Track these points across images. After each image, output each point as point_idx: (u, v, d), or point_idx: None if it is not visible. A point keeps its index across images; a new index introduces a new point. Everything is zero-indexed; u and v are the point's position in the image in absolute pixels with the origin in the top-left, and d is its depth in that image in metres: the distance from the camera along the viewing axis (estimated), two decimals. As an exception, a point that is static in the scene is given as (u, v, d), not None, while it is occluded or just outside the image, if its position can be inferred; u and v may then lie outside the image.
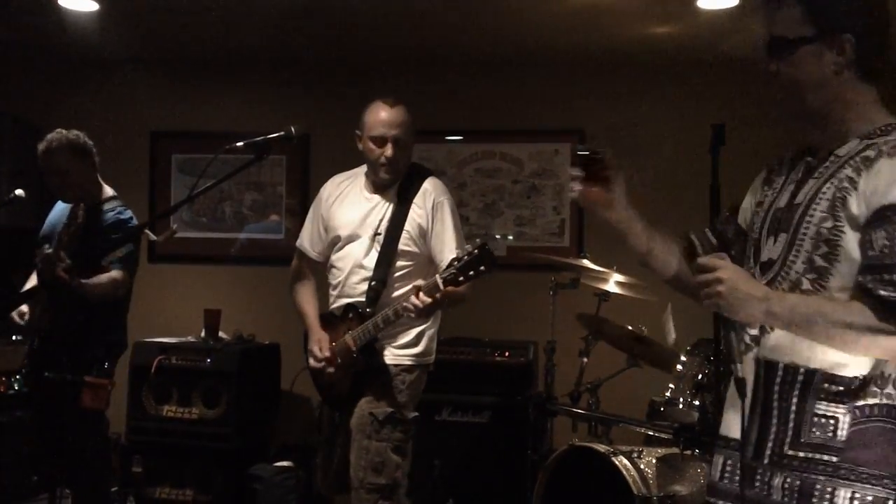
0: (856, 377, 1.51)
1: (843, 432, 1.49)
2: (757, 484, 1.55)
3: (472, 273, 2.57)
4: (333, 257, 3.07)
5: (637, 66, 4.68)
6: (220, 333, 4.60)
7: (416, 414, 2.99)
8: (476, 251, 2.58)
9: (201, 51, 4.86)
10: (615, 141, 4.77)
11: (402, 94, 4.74)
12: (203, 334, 4.56)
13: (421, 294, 2.62)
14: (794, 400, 1.53)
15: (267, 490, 4.17)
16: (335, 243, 3.06)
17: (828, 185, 1.56)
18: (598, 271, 3.54)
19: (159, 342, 4.39)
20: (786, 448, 1.53)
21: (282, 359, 4.62)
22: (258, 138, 2.53)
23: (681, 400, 3.02)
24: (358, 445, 2.89)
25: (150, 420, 4.30)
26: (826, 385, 1.52)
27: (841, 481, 1.48)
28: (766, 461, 1.55)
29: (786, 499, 1.51)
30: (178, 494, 4.27)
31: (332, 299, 3.07)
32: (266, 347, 4.60)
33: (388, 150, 2.92)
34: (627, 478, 2.82)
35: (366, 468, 2.86)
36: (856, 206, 1.50)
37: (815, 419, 1.51)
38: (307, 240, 3.17)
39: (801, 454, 1.51)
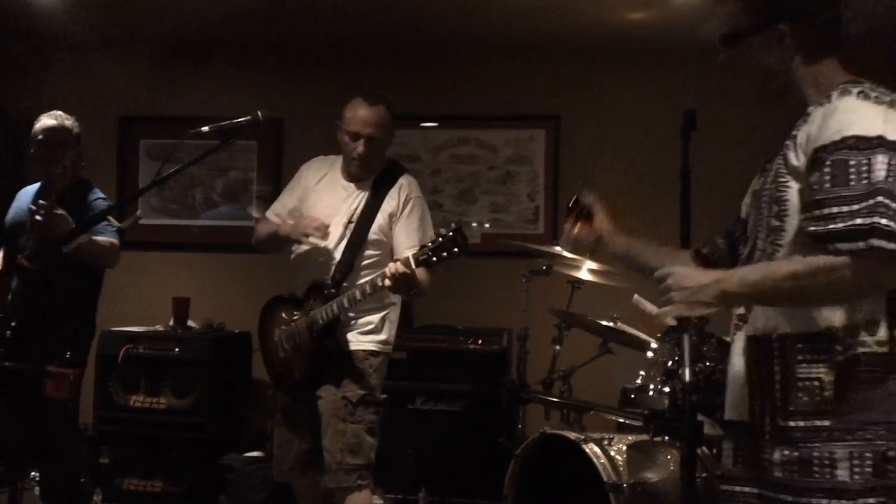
0: (827, 329, 1.52)
1: (829, 392, 1.51)
2: (764, 463, 1.56)
3: (444, 255, 2.59)
4: (304, 241, 3.06)
5: (612, 52, 4.66)
6: (190, 322, 4.55)
7: (385, 396, 3.03)
8: (451, 234, 2.59)
9: (171, 34, 4.78)
10: (590, 126, 4.76)
11: (378, 79, 4.77)
12: (172, 323, 4.51)
13: (399, 263, 2.65)
14: (777, 369, 1.55)
15: (238, 480, 4.14)
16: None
17: (780, 153, 1.62)
18: (572, 259, 3.52)
19: (127, 331, 4.33)
20: (779, 420, 1.55)
21: (253, 347, 4.58)
22: (224, 123, 2.49)
23: (651, 387, 3.02)
24: (333, 429, 2.92)
25: (118, 410, 4.24)
26: (800, 346, 1.54)
27: (836, 444, 1.49)
28: (766, 437, 1.57)
29: (786, 472, 1.52)
30: (147, 486, 4.23)
31: (296, 281, 3.07)
32: (236, 336, 4.55)
33: (360, 147, 2.98)
34: (597, 465, 2.81)
35: (343, 450, 2.90)
36: (795, 158, 1.56)
37: (799, 384, 1.53)
38: (278, 209, 3.19)
39: (793, 423, 1.52)
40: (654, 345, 3.12)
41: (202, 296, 4.69)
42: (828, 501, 1.47)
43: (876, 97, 1.52)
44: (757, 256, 1.64)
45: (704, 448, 2.85)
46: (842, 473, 1.47)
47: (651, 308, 3.28)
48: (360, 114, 2.98)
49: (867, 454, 1.46)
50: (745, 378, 1.61)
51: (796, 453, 1.51)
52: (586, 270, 3.50)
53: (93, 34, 4.70)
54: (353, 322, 2.97)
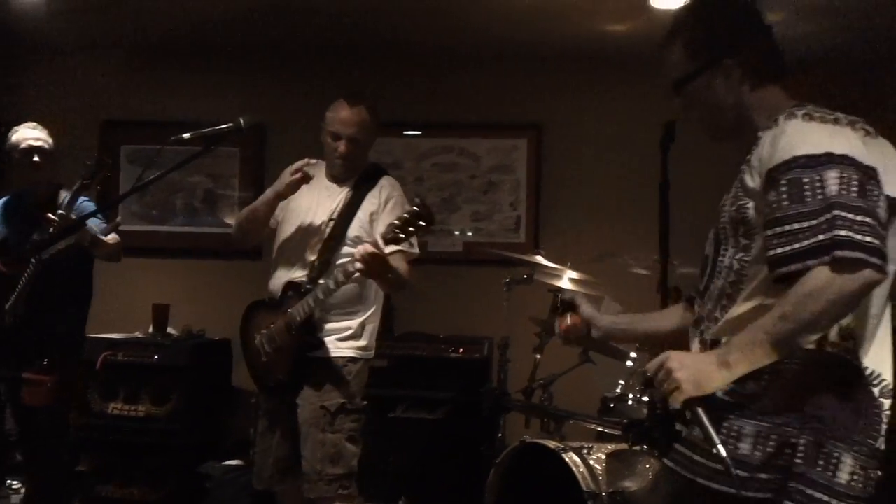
0: None
1: (764, 382, 1.56)
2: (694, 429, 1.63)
3: (411, 229, 2.61)
4: (283, 238, 3.08)
5: (593, 63, 4.69)
6: (169, 329, 4.52)
7: (365, 402, 3.03)
8: (415, 208, 2.61)
9: (154, 39, 4.76)
10: (572, 137, 4.79)
11: (361, 86, 4.72)
12: (151, 330, 4.49)
13: (367, 245, 2.66)
14: None
15: (218, 488, 4.11)
16: (286, 222, 3.08)
17: (737, 178, 1.69)
18: (552, 268, 3.54)
19: (105, 338, 4.30)
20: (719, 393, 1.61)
21: (233, 355, 4.55)
22: (206, 130, 2.49)
23: (630, 396, 3.04)
24: (313, 439, 2.91)
25: (96, 417, 4.21)
26: None
27: (748, 421, 1.56)
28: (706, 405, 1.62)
29: (694, 432, 1.60)
30: (126, 493, 4.20)
31: (275, 282, 3.06)
32: (216, 343, 4.53)
33: (341, 147, 3.00)
34: (577, 474, 2.82)
35: (323, 460, 2.89)
36: (751, 181, 1.62)
37: (753, 374, 1.56)
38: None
39: (718, 395, 1.58)
40: (633, 354, 3.14)
41: (182, 303, 4.66)
42: (726, 468, 1.53)
43: (820, 117, 1.60)
44: (724, 273, 1.68)
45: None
46: (744, 447, 1.55)
47: (618, 309, 3.29)
48: (341, 114, 3.00)
49: (773, 436, 1.54)
50: None
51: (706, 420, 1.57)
52: (567, 279, 3.52)
53: (74, 38, 4.68)
54: (331, 328, 2.96)
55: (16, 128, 3.36)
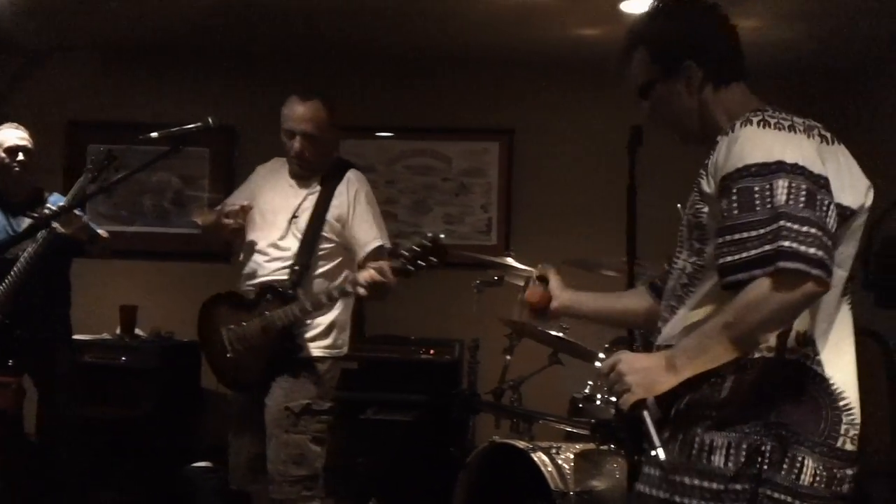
0: None
1: (726, 391, 1.59)
2: (669, 446, 1.63)
3: (422, 264, 2.63)
4: (249, 238, 3.05)
5: (566, 68, 4.73)
6: (137, 331, 4.48)
7: (332, 403, 3.00)
8: (429, 244, 2.62)
9: (122, 39, 4.72)
10: (544, 140, 4.82)
11: (333, 89, 4.69)
12: (118, 332, 4.44)
13: (373, 272, 2.65)
14: None
15: (188, 491, 4.08)
16: (253, 223, 3.06)
17: (696, 182, 1.70)
18: (522, 269, 3.56)
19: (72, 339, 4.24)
20: (682, 407, 1.63)
21: (202, 357, 4.52)
22: (174, 129, 2.48)
23: (598, 396, 3.06)
24: (276, 440, 2.89)
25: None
26: None
27: (717, 433, 1.57)
28: (672, 422, 1.64)
29: (667, 449, 1.59)
30: (94, 496, 4.14)
31: (242, 281, 3.04)
32: (185, 345, 4.47)
33: (296, 144, 2.95)
34: (545, 473, 2.84)
35: (286, 462, 2.88)
36: (707, 186, 1.63)
37: (708, 381, 1.59)
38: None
39: (689, 409, 1.61)
40: (601, 355, 3.17)
41: (150, 304, 4.62)
42: (699, 481, 1.57)
43: (776, 123, 1.59)
44: (676, 274, 1.71)
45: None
46: (717, 459, 1.56)
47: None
48: (293, 111, 2.95)
49: (743, 445, 1.55)
50: None
51: (681, 434, 1.60)
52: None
53: (41, 38, 4.63)
54: (298, 328, 2.94)
55: None
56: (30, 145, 3.36)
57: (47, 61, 4.85)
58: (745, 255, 1.49)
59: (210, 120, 2.54)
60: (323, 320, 2.98)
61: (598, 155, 4.69)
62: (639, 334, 2.74)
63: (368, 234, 2.94)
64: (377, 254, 2.91)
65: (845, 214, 1.59)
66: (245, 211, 2.97)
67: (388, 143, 4.92)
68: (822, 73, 4.54)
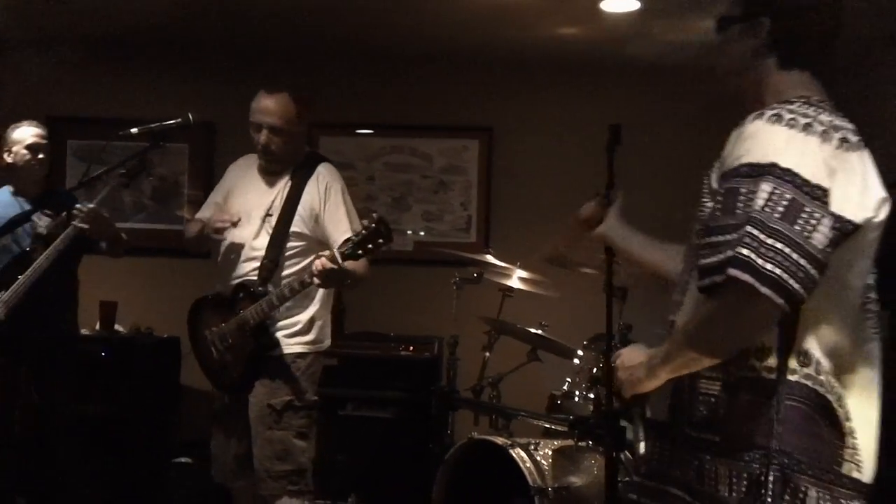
0: None
1: (722, 409, 1.52)
2: (674, 463, 1.59)
3: (370, 247, 2.61)
4: (225, 239, 3.04)
5: (544, 66, 4.75)
6: (117, 326, 4.46)
7: (316, 398, 3.01)
8: (374, 225, 2.60)
9: (102, 33, 4.68)
10: (523, 139, 4.85)
11: (312, 85, 4.73)
12: (98, 327, 4.41)
13: (324, 259, 2.65)
14: (686, 381, 1.57)
15: (168, 487, 4.07)
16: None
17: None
18: (502, 267, 3.58)
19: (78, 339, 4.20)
20: (685, 427, 1.57)
21: (182, 353, 4.51)
22: (153, 125, 2.48)
23: (577, 393, 3.09)
24: (260, 437, 2.91)
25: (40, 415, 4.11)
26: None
27: (721, 460, 1.50)
28: (676, 441, 1.59)
29: (683, 475, 1.55)
30: (73, 492, 4.11)
31: (222, 282, 3.05)
32: (165, 341, 4.47)
33: (262, 138, 2.95)
34: (524, 469, 2.87)
35: (270, 458, 2.89)
36: (714, 181, 1.56)
37: (700, 397, 1.54)
38: (206, 212, 3.16)
39: (693, 433, 1.55)
40: (580, 352, 3.20)
41: (130, 300, 4.60)
42: None
43: (790, 120, 1.47)
44: (683, 265, 1.67)
45: (627, 453, 2.93)
46: (722, 489, 1.49)
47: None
48: (259, 103, 2.95)
49: (744, 475, 1.47)
50: (668, 385, 1.63)
51: (696, 461, 1.54)
52: (516, 279, 3.57)
53: (20, 32, 4.58)
54: (277, 324, 2.94)
55: (15, 125, 3.39)
56: (47, 143, 3.41)
57: (25, 55, 4.79)
58: (713, 259, 1.43)
59: (190, 116, 2.55)
60: (302, 317, 2.98)
61: (578, 153, 4.70)
62: (618, 331, 2.77)
63: (339, 228, 2.93)
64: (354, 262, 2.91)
65: (846, 229, 1.45)
66: (234, 226, 2.96)
67: (368, 140, 4.92)
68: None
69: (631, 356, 1.63)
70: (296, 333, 2.98)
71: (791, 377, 1.48)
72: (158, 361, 4.42)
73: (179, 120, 2.51)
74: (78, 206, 3.11)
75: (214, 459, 3.12)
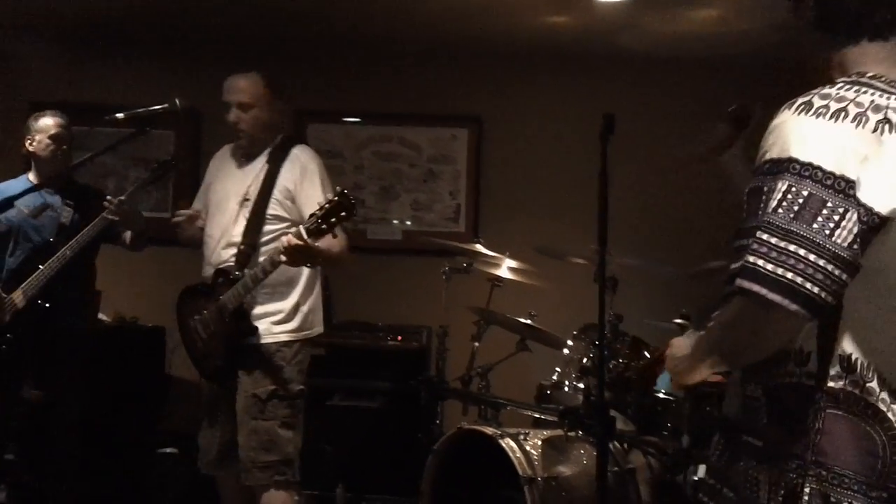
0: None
1: (763, 414, 1.45)
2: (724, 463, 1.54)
3: (333, 220, 2.57)
4: (207, 227, 3.06)
5: (535, 56, 4.73)
6: (101, 316, 4.40)
7: (302, 387, 2.98)
8: (337, 198, 2.58)
9: (87, 19, 4.61)
10: (512, 128, 4.83)
11: (300, 73, 4.71)
12: (82, 317, 4.35)
13: (290, 236, 2.63)
14: (739, 382, 1.52)
15: (153, 478, 4.04)
16: (209, 208, 3.08)
17: None
18: (491, 256, 3.57)
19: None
20: (732, 431, 1.52)
21: (167, 342, 4.47)
22: (140, 110, 2.45)
23: (566, 383, 3.08)
24: (246, 428, 2.89)
25: (24, 405, 4.07)
26: (751, 364, 1.49)
27: (762, 465, 1.44)
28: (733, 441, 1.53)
29: (732, 478, 1.49)
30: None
31: (203, 269, 3.04)
32: (149, 330, 4.43)
33: (231, 115, 2.96)
34: (513, 459, 2.86)
35: (256, 448, 2.87)
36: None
37: (747, 401, 1.48)
38: (196, 206, 3.17)
39: (743, 437, 1.48)
40: (569, 342, 3.19)
41: (114, 289, 4.54)
42: None
43: (821, 107, 1.37)
44: None
45: (616, 443, 2.93)
46: (762, 495, 1.43)
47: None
48: (228, 83, 2.98)
49: (781, 483, 1.40)
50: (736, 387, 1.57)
51: (741, 463, 1.48)
52: (506, 268, 3.56)
53: (4, 18, 4.50)
54: (261, 312, 2.92)
55: (39, 113, 3.39)
56: (70, 132, 3.40)
57: (8, 41, 4.72)
58: (734, 266, 1.37)
59: (177, 101, 2.52)
60: (285, 304, 2.95)
61: (566, 143, 4.71)
62: (609, 321, 2.76)
63: (314, 207, 2.88)
64: (325, 239, 2.87)
65: (873, 223, 1.33)
66: (192, 220, 3.03)
67: (356, 129, 4.89)
68: (785, 64, 4.59)
69: (678, 348, 1.57)
70: (280, 321, 2.95)
71: (833, 384, 1.38)
72: (144, 351, 4.39)
73: (166, 105, 2.48)
74: (109, 197, 3.12)
75: (201, 449, 3.10)
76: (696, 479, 2.97)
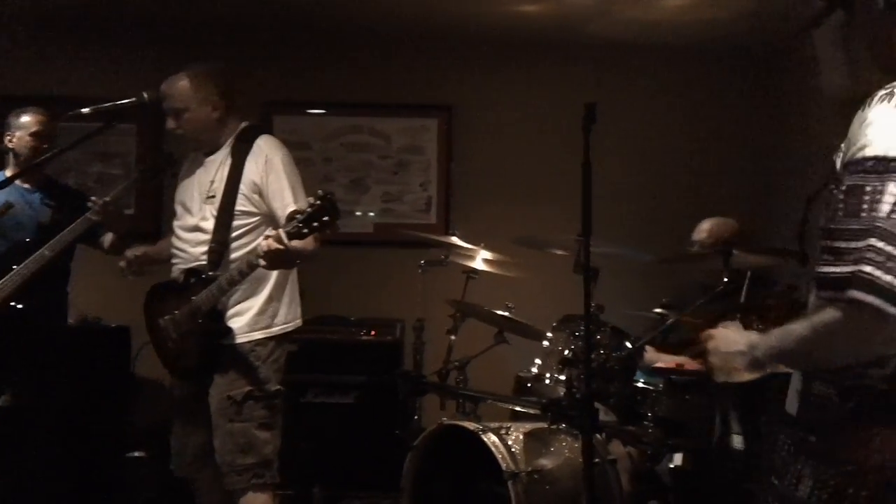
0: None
1: (828, 414, 1.42)
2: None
3: (315, 225, 2.50)
4: (174, 225, 2.99)
5: (506, 45, 4.70)
6: (64, 316, 4.28)
7: (279, 387, 2.92)
8: (319, 202, 2.49)
9: (49, 9, 4.46)
10: (483, 118, 4.79)
11: (264, 63, 4.62)
12: (44, 317, 4.23)
13: (270, 240, 2.55)
14: (803, 381, 1.49)
15: (122, 481, 3.97)
16: (177, 205, 3.01)
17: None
18: (466, 248, 3.54)
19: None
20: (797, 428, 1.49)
21: (133, 342, 4.37)
22: (107, 104, 2.36)
23: (547, 375, 3.06)
24: (222, 430, 2.83)
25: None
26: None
27: (810, 461, 1.43)
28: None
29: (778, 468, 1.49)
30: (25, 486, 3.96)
31: (173, 268, 2.97)
32: (115, 330, 4.32)
33: (168, 123, 2.90)
34: (497, 454, 2.83)
35: (233, 451, 2.81)
36: (839, 164, 1.40)
37: (812, 398, 1.45)
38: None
39: (800, 434, 1.46)
40: (549, 334, 3.16)
41: (77, 289, 4.41)
42: None
43: None
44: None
45: (597, 435, 2.92)
46: (802, 490, 1.41)
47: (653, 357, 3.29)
48: (161, 89, 2.88)
49: (830, 483, 1.38)
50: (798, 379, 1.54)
51: (789, 457, 1.47)
52: (481, 260, 3.52)
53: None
54: (234, 311, 2.86)
55: (20, 110, 3.32)
56: (51, 130, 3.32)
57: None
58: (833, 269, 1.31)
59: (145, 95, 2.43)
60: (255, 301, 2.88)
61: (538, 132, 4.69)
62: (594, 312, 2.74)
63: (283, 201, 2.82)
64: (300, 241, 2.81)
65: None
66: (138, 262, 3.05)
67: (325, 119, 4.81)
68: (753, 52, 4.62)
69: (728, 341, 1.52)
70: (252, 321, 2.88)
71: None
72: (109, 352, 4.28)
73: (134, 99, 2.40)
74: (93, 198, 3.03)
75: (174, 452, 3.03)
76: (671, 466, 2.98)
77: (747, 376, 1.51)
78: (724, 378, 1.55)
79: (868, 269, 1.26)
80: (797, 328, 1.39)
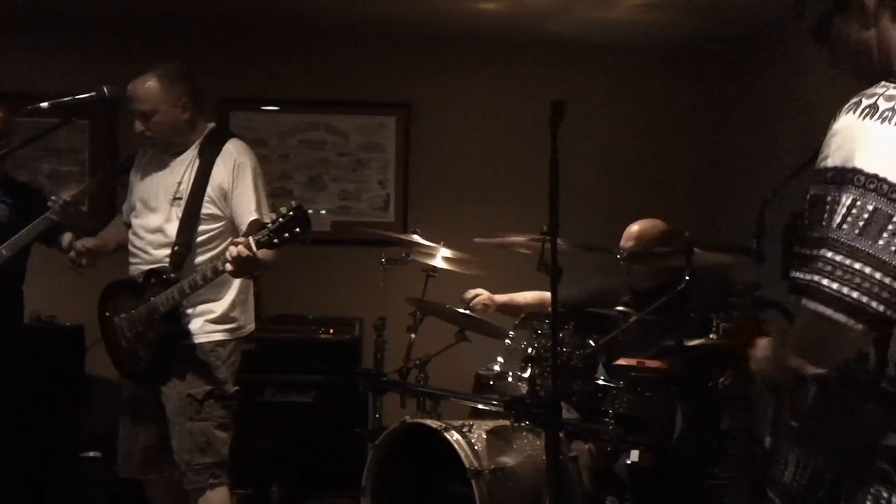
0: None
1: (810, 400, 1.46)
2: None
3: (286, 236, 2.50)
4: (134, 224, 2.95)
5: (465, 42, 4.70)
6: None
7: (237, 388, 2.93)
8: (291, 213, 2.49)
9: (1, 4, 4.32)
10: (442, 116, 4.78)
11: (223, 59, 4.55)
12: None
13: (240, 247, 2.54)
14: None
15: (75, 482, 3.91)
16: (137, 204, 2.96)
17: None
18: (425, 246, 3.54)
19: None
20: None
21: (87, 341, 4.27)
22: (66, 99, 2.31)
23: (510, 373, 3.08)
24: (180, 429, 2.82)
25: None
26: None
27: (794, 447, 1.47)
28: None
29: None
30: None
31: (131, 268, 2.93)
32: (68, 329, 4.24)
33: (136, 125, 2.86)
34: (460, 452, 2.84)
35: (191, 450, 2.81)
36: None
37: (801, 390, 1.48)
38: (125, 207, 3.06)
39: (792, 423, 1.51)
40: (511, 333, 3.18)
41: (30, 287, 4.30)
42: (774, 495, 1.50)
43: (887, 110, 1.32)
44: None
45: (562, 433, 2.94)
46: (787, 475, 1.46)
47: None
48: (128, 90, 2.83)
49: (811, 465, 1.43)
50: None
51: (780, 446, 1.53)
52: (441, 258, 3.53)
53: None
54: (194, 312, 2.84)
55: None
56: (10, 126, 3.18)
57: None
58: (798, 275, 1.37)
59: (105, 89, 2.38)
60: (220, 303, 2.88)
61: (497, 130, 4.70)
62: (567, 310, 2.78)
63: (246, 208, 2.82)
64: (255, 228, 2.77)
65: None
66: (89, 254, 2.98)
67: (282, 116, 4.76)
68: (710, 53, 4.70)
69: (763, 348, 1.58)
70: (215, 321, 2.87)
71: (888, 387, 1.38)
72: (62, 351, 4.20)
73: (94, 93, 2.34)
74: (53, 197, 2.96)
75: (121, 453, 3.00)
76: (628, 462, 3.02)
77: (782, 378, 1.53)
78: (764, 379, 1.60)
79: (817, 277, 1.31)
80: (789, 335, 1.45)
